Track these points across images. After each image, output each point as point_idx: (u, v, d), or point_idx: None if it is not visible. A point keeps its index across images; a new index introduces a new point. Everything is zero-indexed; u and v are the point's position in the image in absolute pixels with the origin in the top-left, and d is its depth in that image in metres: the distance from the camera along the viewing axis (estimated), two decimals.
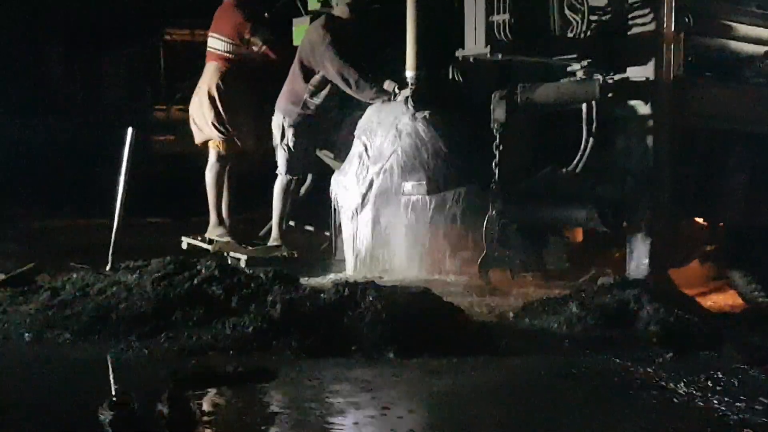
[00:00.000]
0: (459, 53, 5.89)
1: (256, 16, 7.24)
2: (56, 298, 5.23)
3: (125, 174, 6.44)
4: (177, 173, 11.35)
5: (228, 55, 7.31)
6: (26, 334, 4.83)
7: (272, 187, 7.19)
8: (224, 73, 7.32)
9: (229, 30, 7.30)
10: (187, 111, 7.90)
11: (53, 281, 5.67)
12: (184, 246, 7.48)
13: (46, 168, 12.57)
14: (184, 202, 9.25)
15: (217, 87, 7.29)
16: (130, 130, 6.44)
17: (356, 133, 6.52)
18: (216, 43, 7.40)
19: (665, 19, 5.81)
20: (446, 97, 6.34)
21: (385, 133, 6.28)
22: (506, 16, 5.57)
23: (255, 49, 7.18)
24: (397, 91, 6.35)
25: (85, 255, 7.13)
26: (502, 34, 5.60)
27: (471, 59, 5.93)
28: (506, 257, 6.11)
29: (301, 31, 7.08)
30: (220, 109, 7.31)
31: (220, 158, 7.49)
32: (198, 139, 7.60)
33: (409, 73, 6.38)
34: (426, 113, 6.23)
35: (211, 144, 7.51)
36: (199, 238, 7.49)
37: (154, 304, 4.96)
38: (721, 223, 6.79)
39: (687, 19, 5.98)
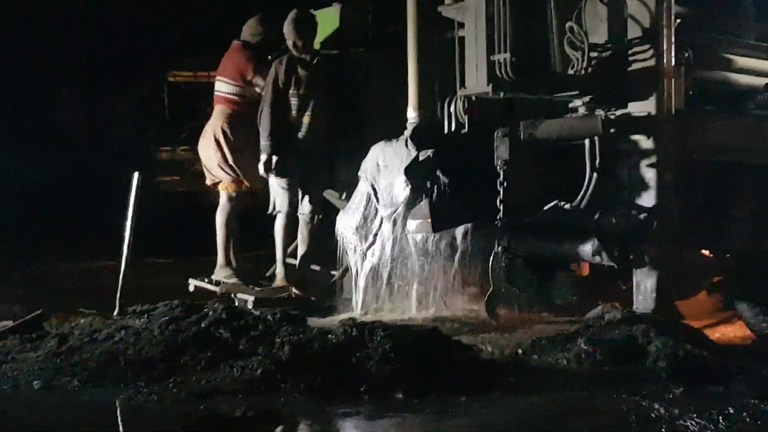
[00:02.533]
0: (461, 92, 5.93)
1: (260, 58, 7.30)
2: (64, 344, 5.24)
3: (132, 218, 6.46)
4: (182, 213, 11.40)
5: (232, 97, 7.37)
6: (35, 382, 4.83)
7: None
8: (229, 116, 7.37)
9: (232, 72, 7.37)
10: (191, 151, 7.96)
11: (61, 327, 5.68)
12: (191, 288, 7.49)
13: (52, 209, 12.62)
14: (190, 242, 9.27)
15: (223, 129, 7.34)
16: (136, 174, 6.48)
17: (361, 173, 6.55)
18: (221, 86, 7.47)
19: (665, 54, 5.85)
20: (449, 135, 6.37)
21: (392, 176, 6.31)
22: (507, 55, 5.61)
23: (257, 90, 7.24)
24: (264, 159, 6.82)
25: (93, 299, 7.14)
26: (503, 72, 5.64)
27: (473, 98, 5.95)
28: (513, 293, 6.11)
29: None
30: (226, 151, 7.35)
31: (230, 200, 7.53)
32: (208, 181, 7.65)
33: (411, 113, 6.43)
34: (429, 152, 6.26)
35: (220, 186, 7.55)
36: (206, 280, 7.50)
37: (163, 348, 4.97)
38: (728, 255, 6.79)
39: (687, 54, 6.03)
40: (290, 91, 6.95)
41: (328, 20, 7.09)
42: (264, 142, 6.91)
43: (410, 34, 6.45)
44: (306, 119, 6.96)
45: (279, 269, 7.23)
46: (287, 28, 6.94)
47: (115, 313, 6.16)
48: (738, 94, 6.45)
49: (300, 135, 6.97)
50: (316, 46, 7.14)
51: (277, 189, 7.07)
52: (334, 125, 6.98)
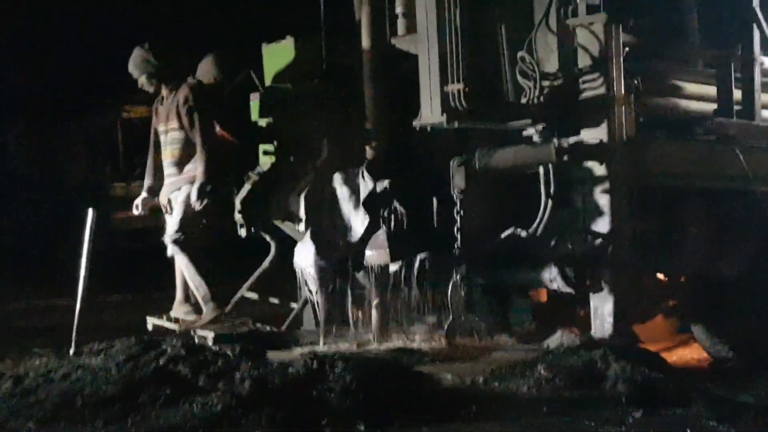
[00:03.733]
0: (416, 123, 5.97)
1: (207, 100, 7.25)
2: (19, 385, 5.14)
3: (87, 255, 6.39)
4: (138, 249, 11.29)
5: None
6: None
7: (237, 259, 7.22)
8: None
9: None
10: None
11: (15, 368, 5.58)
12: (149, 327, 7.41)
13: (4, 246, 12.44)
14: (146, 278, 9.18)
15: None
16: (90, 211, 6.42)
17: (318, 206, 6.55)
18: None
19: (615, 81, 5.94)
20: (405, 165, 6.40)
21: (351, 207, 6.32)
22: (460, 85, 5.67)
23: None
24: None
25: (48, 338, 7.04)
26: (457, 102, 5.69)
27: (428, 128, 6.00)
28: (472, 321, 6.13)
29: (258, 105, 7.13)
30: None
31: None
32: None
33: (368, 144, 6.46)
34: (386, 182, 6.28)
35: None
36: (165, 317, 7.43)
37: (120, 386, 4.90)
38: (683, 278, 6.88)
39: (636, 81, 6.13)
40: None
41: (282, 53, 7.10)
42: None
43: (365, 65, 6.49)
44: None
45: (204, 295, 7.22)
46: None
47: (71, 352, 6.07)
48: (688, 120, 6.56)
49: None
50: (273, 79, 7.16)
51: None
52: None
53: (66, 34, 13.75)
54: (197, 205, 7.00)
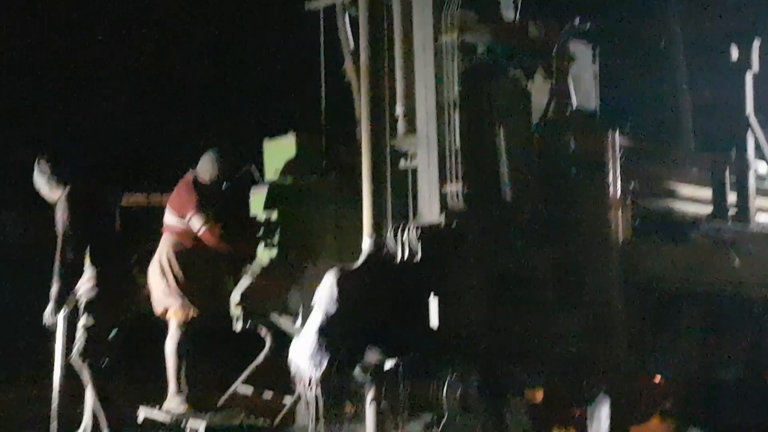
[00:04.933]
0: (414, 222, 6.02)
1: (207, 196, 7.31)
2: None
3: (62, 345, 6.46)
4: (132, 337, 11.21)
5: (177, 227, 7.40)
6: None
7: (232, 350, 7.19)
8: (175, 244, 7.38)
9: (176, 205, 7.41)
10: (142, 274, 7.91)
11: None
12: (141, 418, 7.35)
13: None
14: (140, 367, 9.10)
15: (168, 257, 7.35)
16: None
17: (314, 301, 6.55)
18: (168, 216, 7.50)
19: (611, 184, 6.02)
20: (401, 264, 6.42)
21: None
22: (459, 186, 5.73)
23: (194, 229, 7.24)
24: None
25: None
26: (455, 202, 5.76)
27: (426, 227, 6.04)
28: (468, 420, 6.08)
29: (258, 199, 7.21)
30: (172, 279, 7.34)
31: (178, 327, 7.47)
32: (157, 309, 7.58)
33: (367, 240, 6.48)
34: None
35: (169, 313, 7.50)
36: (157, 408, 7.37)
37: None
38: (678, 379, 6.87)
39: (632, 184, 6.21)
40: None
41: (283, 149, 7.21)
42: None
43: (364, 163, 6.55)
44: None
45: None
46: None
47: None
48: (683, 223, 6.63)
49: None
50: (274, 174, 7.24)
51: None
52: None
53: (63, 124, 13.91)
54: None
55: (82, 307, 6.79)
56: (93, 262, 6.73)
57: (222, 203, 7.35)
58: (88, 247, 6.73)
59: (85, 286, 6.78)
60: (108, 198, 7.14)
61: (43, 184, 6.95)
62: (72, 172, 6.88)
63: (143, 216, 12.58)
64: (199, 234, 7.26)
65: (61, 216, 6.74)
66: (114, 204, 7.21)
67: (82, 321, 6.77)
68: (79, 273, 6.74)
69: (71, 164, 7.00)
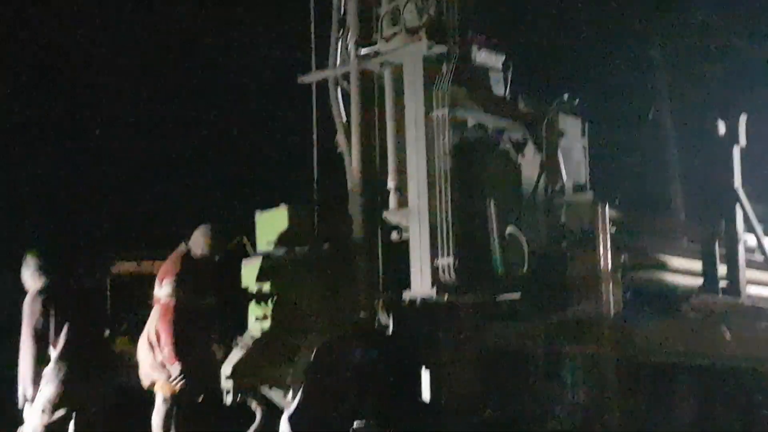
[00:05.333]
0: (405, 295, 6.02)
1: (195, 270, 7.27)
2: None
3: None
4: (120, 407, 11.10)
5: (166, 299, 7.34)
6: None
7: (222, 424, 7.10)
8: (162, 316, 7.32)
9: (160, 275, 7.36)
10: (132, 343, 7.86)
11: None
12: None
13: None
14: None
15: (156, 331, 7.29)
16: None
17: (305, 374, 6.52)
18: (156, 288, 7.44)
19: (602, 257, 6.04)
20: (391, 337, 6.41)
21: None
22: (450, 259, 5.76)
23: (159, 296, 7.18)
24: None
25: None
26: (447, 276, 5.78)
27: (418, 300, 6.05)
28: None
29: (250, 271, 7.20)
30: (158, 353, 7.27)
31: (165, 401, 7.38)
32: (144, 382, 7.50)
33: (359, 312, 6.49)
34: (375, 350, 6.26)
35: (156, 387, 7.42)
36: None
37: None
38: None
39: (623, 257, 6.24)
40: None
41: (275, 221, 7.22)
42: None
43: (356, 235, 6.59)
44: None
45: None
46: None
47: None
48: (674, 295, 6.65)
49: None
50: (266, 246, 7.25)
51: None
52: None
53: (56, 193, 13.95)
54: None
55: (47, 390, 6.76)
56: (60, 356, 6.76)
57: (214, 276, 7.32)
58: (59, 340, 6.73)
59: (49, 375, 6.76)
60: (91, 280, 7.09)
61: (28, 277, 6.99)
62: (56, 264, 6.91)
63: (136, 284, 12.58)
64: (160, 303, 7.22)
65: (30, 310, 6.76)
66: (101, 278, 7.16)
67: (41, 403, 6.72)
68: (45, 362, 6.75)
69: (56, 256, 7.03)
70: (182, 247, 7.35)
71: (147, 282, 8.14)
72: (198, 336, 7.27)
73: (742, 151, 7.09)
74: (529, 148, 6.40)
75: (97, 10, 12.81)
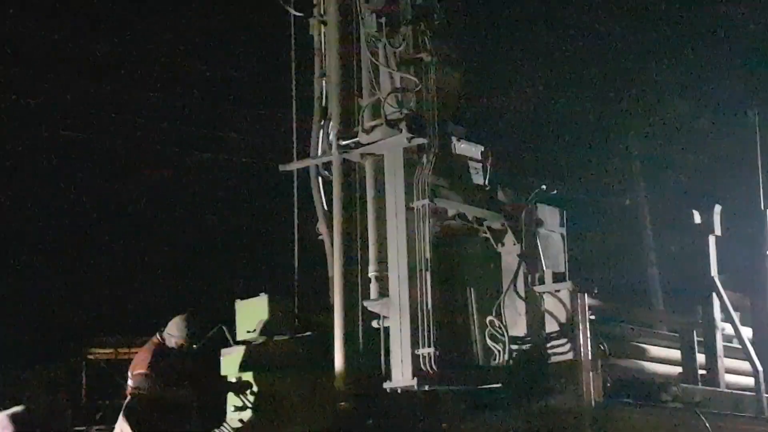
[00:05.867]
0: (387, 385, 6.00)
1: (168, 363, 7.20)
2: None
3: None
4: None
5: (135, 391, 7.24)
6: None
7: None
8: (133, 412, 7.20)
9: (132, 366, 7.27)
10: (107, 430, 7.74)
11: None
12: None
13: None
14: None
15: (130, 423, 7.17)
16: None
17: None
18: (129, 380, 7.35)
19: (582, 346, 6.07)
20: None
21: None
22: (431, 349, 5.76)
23: (130, 389, 7.09)
24: None
25: None
26: (427, 366, 5.77)
27: (398, 390, 6.02)
28: None
29: (230, 361, 7.14)
30: None
31: None
32: None
33: (340, 402, 6.44)
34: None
35: None
36: None
37: None
38: None
39: (602, 346, 6.26)
40: None
41: (255, 310, 7.20)
42: None
43: (337, 324, 6.56)
44: None
45: None
46: None
47: None
48: (654, 385, 6.65)
49: None
50: (245, 335, 7.21)
51: None
52: None
53: (33, 282, 13.87)
54: None
55: None
56: None
57: (191, 366, 7.25)
58: None
59: None
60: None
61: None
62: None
63: (110, 371, 12.46)
64: (124, 393, 7.14)
65: None
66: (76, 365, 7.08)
67: None
68: None
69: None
70: (155, 339, 7.28)
71: (124, 368, 8.05)
72: (173, 429, 7.16)
73: (717, 240, 7.19)
74: (509, 238, 6.45)
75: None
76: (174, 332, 7.25)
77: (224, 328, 7.35)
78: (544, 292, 6.21)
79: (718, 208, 7.15)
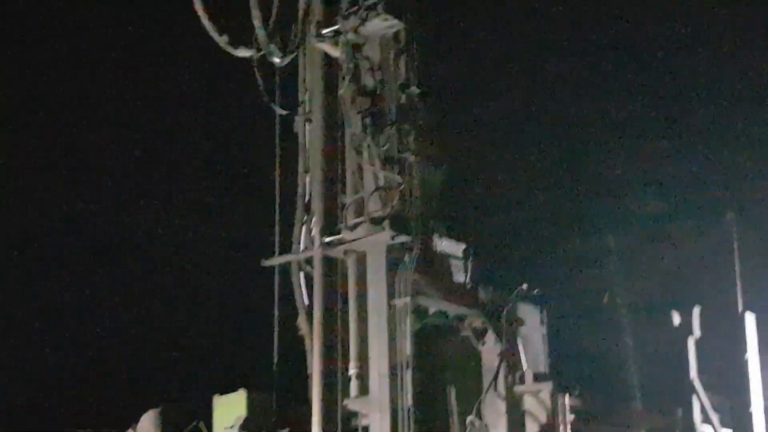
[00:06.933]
0: None
1: None
2: None
3: None
4: None
5: None
6: None
7: None
8: None
9: None
10: None
11: None
12: None
13: None
14: None
15: None
16: None
17: None
18: None
19: None
20: None
21: None
22: None
23: None
24: None
25: None
26: None
27: None
28: None
29: None
30: None
31: None
32: None
33: None
34: None
35: None
36: None
37: None
38: None
39: None
40: None
41: (233, 406, 7.12)
42: None
43: (315, 422, 6.50)
44: None
45: None
46: None
47: None
48: None
49: None
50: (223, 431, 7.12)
51: None
52: None
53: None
54: None
55: None
56: None
57: None
58: None
59: None
60: None
61: None
62: None
63: None
64: None
65: None
66: None
67: None
68: None
69: None
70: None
71: None
72: None
73: (696, 342, 7.22)
74: (490, 337, 6.47)
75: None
76: (147, 428, 7.15)
77: (202, 423, 7.26)
78: (524, 393, 6.20)
79: (697, 310, 7.21)
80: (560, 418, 6.11)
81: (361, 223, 6.39)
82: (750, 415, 7.47)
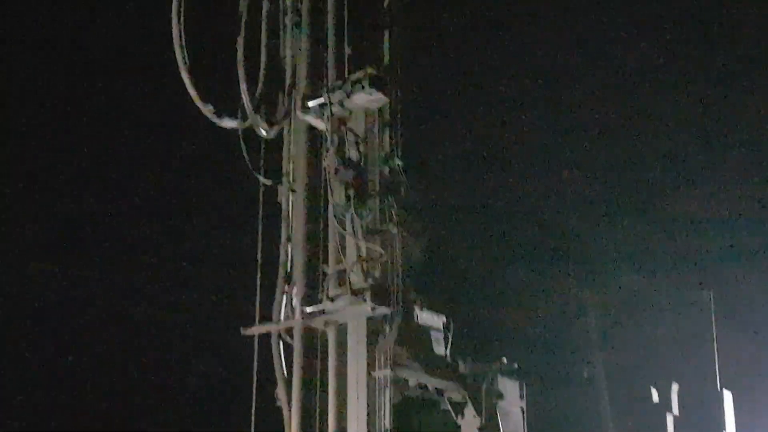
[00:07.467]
0: None
1: None
2: None
3: None
4: None
5: None
6: None
7: None
8: None
9: None
10: None
11: None
12: None
13: None
14: None
15: None
16: None
17: None
18: None
19: None
20: None
21: None
22: None
23: None
24: None
25: None
26: None
27: None
28: None
29: None
30: None
31: None
32: None
33: None
34: None
35: None
36: None
37: None
38: None
39: None
40: None
41: None
42: None
43: None
44: None
45: None
46: None
47: None
48: None
49: None
50: None
51: None
52: None
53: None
54: None
55: None
56: None
57: None
58: None
59: None
60: None
61: None
62: None
63: None
64: None
65: None
66: None
67: None
68: None
69: None
70: None
71: None
72: None
73: (675, 419, 7.22)
74: (469, 410, 6.45)
75: None
76: None
77: None
78: None
79: (675, 387, 7.22)
80: None
81: (343, 294, 6.39)
82: None
